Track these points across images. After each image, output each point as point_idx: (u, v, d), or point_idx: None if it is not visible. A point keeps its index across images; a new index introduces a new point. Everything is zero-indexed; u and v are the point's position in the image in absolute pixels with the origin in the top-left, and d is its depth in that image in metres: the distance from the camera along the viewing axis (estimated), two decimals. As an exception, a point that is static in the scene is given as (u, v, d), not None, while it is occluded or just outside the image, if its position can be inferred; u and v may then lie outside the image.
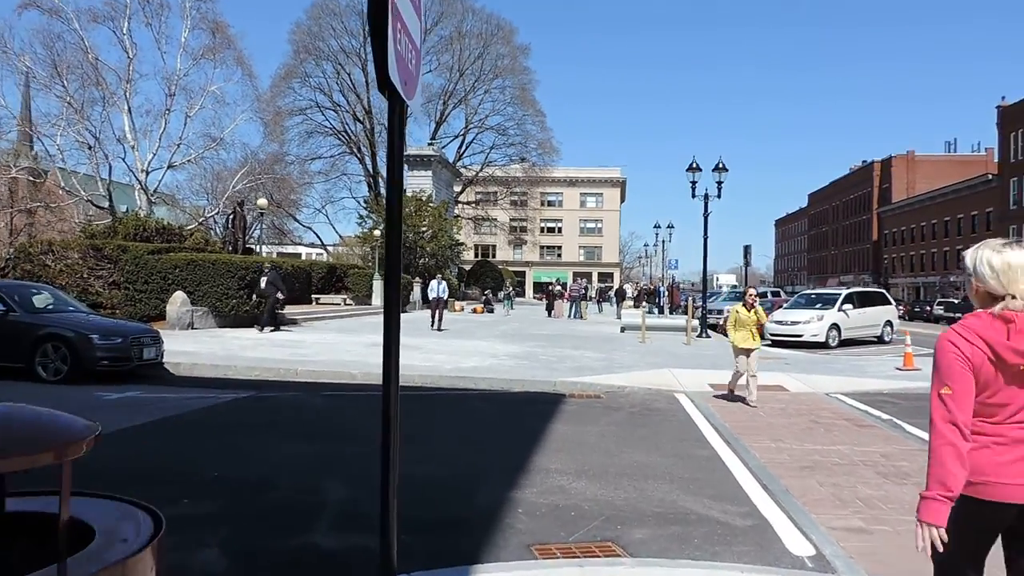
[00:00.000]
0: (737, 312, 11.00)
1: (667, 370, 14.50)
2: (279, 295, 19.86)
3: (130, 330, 12.08)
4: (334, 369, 13.07)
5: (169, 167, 38.38)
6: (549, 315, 37.73)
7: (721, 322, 23.94)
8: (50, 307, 12.51)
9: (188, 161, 39.28)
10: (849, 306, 23.44)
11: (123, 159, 37.27)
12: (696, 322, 23.54)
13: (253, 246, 44.46)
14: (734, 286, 60.23)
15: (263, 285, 19.85)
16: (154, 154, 37.60)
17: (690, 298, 33.21)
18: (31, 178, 40.58)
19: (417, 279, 42.25)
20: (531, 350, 17.95)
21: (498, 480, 6.27)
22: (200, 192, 48.27)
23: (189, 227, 34.36)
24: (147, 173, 37.80)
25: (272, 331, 19.76)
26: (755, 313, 10.79)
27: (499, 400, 11.12)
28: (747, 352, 10.73)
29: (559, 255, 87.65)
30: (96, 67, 36.43)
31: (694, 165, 24.43)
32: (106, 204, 36.98)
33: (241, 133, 55.94)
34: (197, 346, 15.66)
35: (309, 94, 53.99)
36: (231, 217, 30.36)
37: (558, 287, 41.06)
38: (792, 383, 13.25)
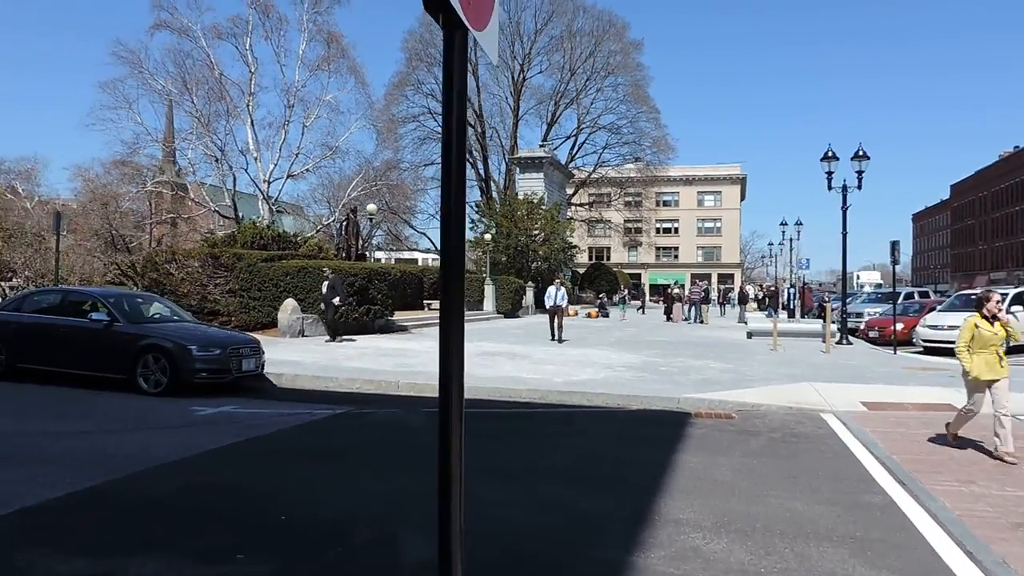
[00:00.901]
0: (976, 327, 7.67)
1: (808, 384, 12.71)
2: (335, 301, 18.83)
3: (229, 341, 11.71)
4: (437, 381, 12.21)
5: (289, 176, 39.51)
6: (668, 319, 35.85)
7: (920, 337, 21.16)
8: (156, 317, 12.40)
9: (306, 170, 40.32)
10: (1019, 308, 20.36)
11: (246, 170, 38.74)
12: (835, 327, 21.21)
13: (367, 252, 45.24)
14: (879, 285, 55.64)
15: (324, 290, 18.75)
16: (275, 164, 38.84)
17: (825, 299, 30.50)
18: (174, 191, 43.00)
19: (530, 283, 41.44)
20: (649, 360, 16.52)
21: (612, 535, 5.05)
22: (321, 200, 49.74)
23: (304, 234, 35.05)
24: (269, 183, 39.06)
25: (328, 341, 18.35)
26: (1003, 327, 7.65)
27: (614, 420, 9.86)
28: (989, 384, 7.63)
29: (675, 256, 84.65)
30: (221, 82, 38.03)
31: (830, 154, 22.10)
32: (232, 214, 38.52)
33: (355, 141, 57.26)
34: (302, 355, 15.32)
35: (422, 100, 54.52)
36: (344, 224, 30.67)
37: (676, 289, 39.06)
38: (962, 401, 11.16)
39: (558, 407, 10.69)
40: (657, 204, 75.04)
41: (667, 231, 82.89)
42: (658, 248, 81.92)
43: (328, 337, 18.41)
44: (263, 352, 12.21)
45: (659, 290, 69.77)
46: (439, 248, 2.13)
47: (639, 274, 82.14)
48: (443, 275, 2.13)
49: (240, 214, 38.03)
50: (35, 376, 11.50)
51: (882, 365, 16.72)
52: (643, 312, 47.40)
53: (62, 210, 43.99)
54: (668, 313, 36.60)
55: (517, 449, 7.92)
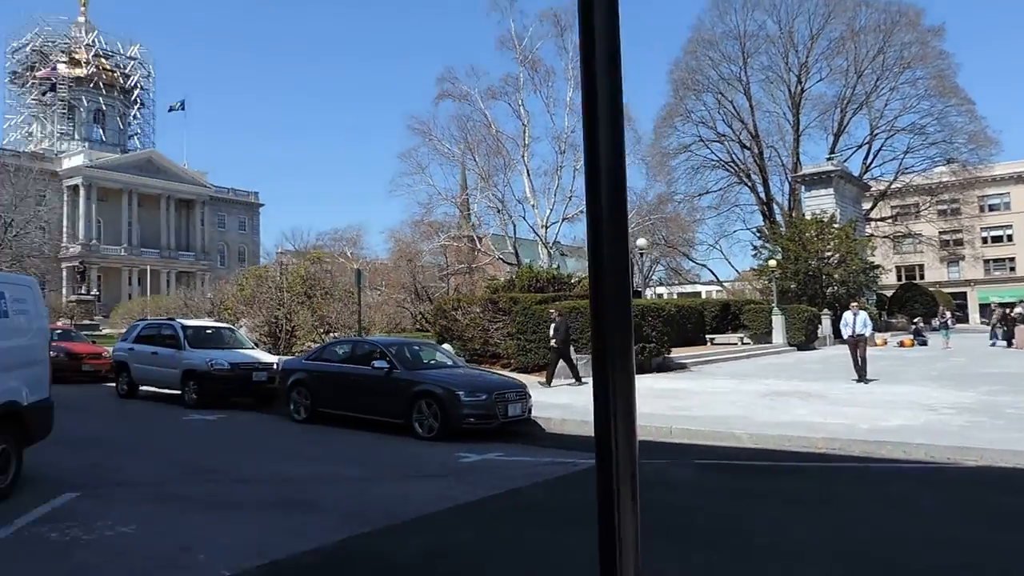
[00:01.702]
0: None
1: None
2: (556, 343, 17.37)
3: (495, 386, 11.63)
4: (713, 427, 10.91)
5: (564, 220, 40.63)
6: (1008, 345, 29.73)
7: None
8: (432, 363, 12.83)
9: (580, 211, 41.10)
10: None
11: (524, 217, 40.65)
12: None
13: (646, 288, 44.53)
14: None
15: (551, 333, 17.43)
16: (551, 209, 40.25)
17: None
18: (467, 243, 46.85)
19: (826, 311, 37.39)
20: (987, 399, 13.36)
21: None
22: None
23: (578, 274, 35.47)
24: (546, 227, 40.57)
25: (543, 384, 16.73)
26: None
27: (945, 482, 7.78)
28: None
29: (1011, 269, 71.16)
30: (498, 138, 40.69)
31: None
32: (514, 260, 40.57)
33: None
34: (574, 397, 14.91)
35: (692, 129, 52.93)
36: (617, 261, 30.35)
37: (1020, 308, 32.39)
38: None
39: (864, 461, 8.79)
40: (981, 210, 64.00)
41: (997, 240, 70.24)
42: (987, 261, 69.60)
43: (572, 380, 17.44)
44: (530, 396, 11.96)
45: (986, 310, 59.07)
46: (589, 248, 1.37)
47: (963, 292, 70.49)
48: (595, 287, 1.36)
49: (523, 260, 39.87)
50: (333, 420, 12.45)
51: None
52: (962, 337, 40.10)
53: (378, 268, 50.39)
54: (1008, 338, 30.36)
55: (810, 522, 6.44)
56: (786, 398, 14.27)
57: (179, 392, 14.99)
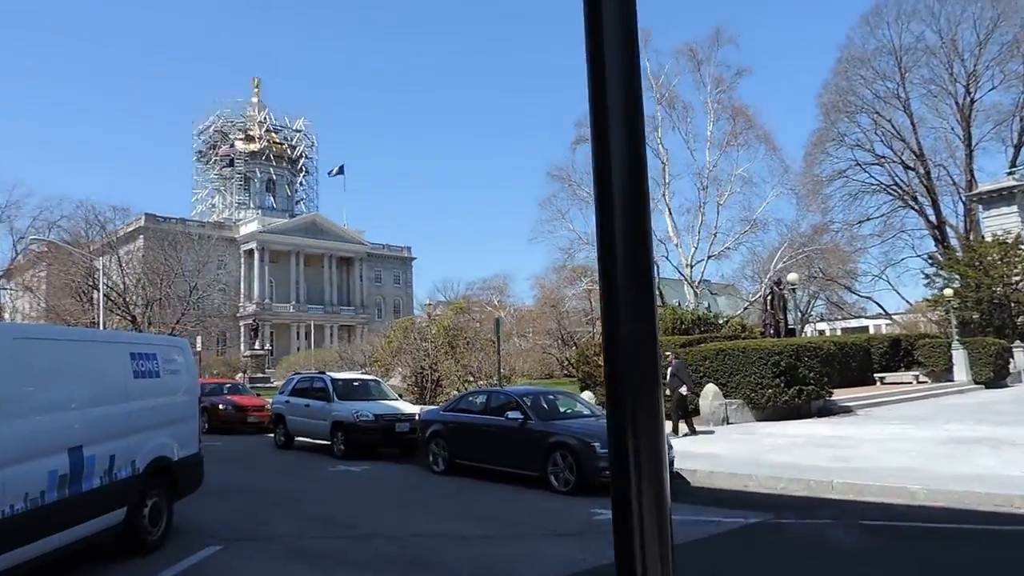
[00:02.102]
0: None
1: None
2: (682, 390, 15.95)
3: (635, 435, 11.05)
4: (883, 482, 9.69)
5: (709, 257, 39.14)
6: None
7: None
8: (568, 412, 12.45)
9: (727, 248, 39.52)
10: None
11: (667, 257, 39.55)
12: None
13: (802, 325, 41.75)
14: None
15: (667, 378, 15.95)
16: (695, 247, 38.92)
17: None
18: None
19: (1018, 343, 33.21)
20: None
21: None
22: (751, 276, 48.23)
23: (730, 314, 33.86)
24: (691, 267, 39.25)
25: (686, 435, 15.49)
26: None
27: None
28: None
29: None
30: (638, 179, 40.11)
31: None
32: (659, 302, 39.50)
33: (773, 210, 54.16)
34: (723, 446, 13.93)
35: (847, 153, 49.64)
36: (769, 298, 28.65)
37: None
38: None
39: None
40: None
41: None
42: None
43: (687, 431, 16.09)
44: (672, 447, 11.25)
45: None
46: (598, 251, 1.06)
47: None
48: (608, 312, 1.04)
49: (670, 301, 38.73)
50: (471, 471, 12.34)
51: None
52: None
53: (524, 315, 50.96)
54: None
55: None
56: (971, 446, 12.53)
57: (329, 443, 15.55)
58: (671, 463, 11.00)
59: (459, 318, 26.78)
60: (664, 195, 39.78)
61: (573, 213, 41.65)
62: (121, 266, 46.88)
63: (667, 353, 17.56)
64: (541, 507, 9.73)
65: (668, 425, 15.35)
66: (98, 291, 40.32)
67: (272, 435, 17.95)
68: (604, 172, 1.11)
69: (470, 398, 13.81)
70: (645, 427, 1.13)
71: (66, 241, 47.68)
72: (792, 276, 28.79)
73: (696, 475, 11.35)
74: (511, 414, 11.73)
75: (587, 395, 17.41)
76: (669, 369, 16.23)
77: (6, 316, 59.35)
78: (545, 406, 12.35)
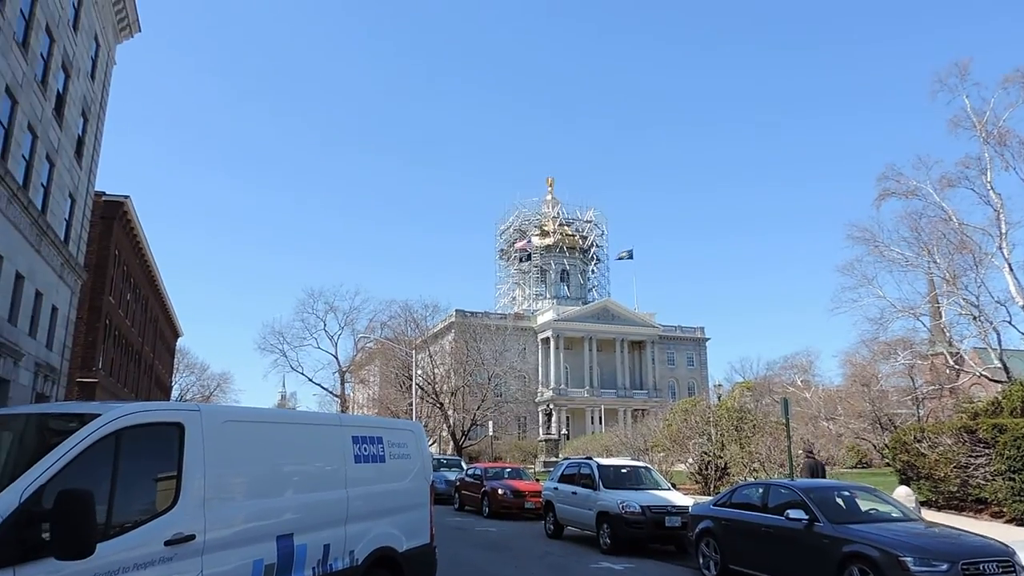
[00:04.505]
0: None
1: None
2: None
3: (965, 550, 8.37)
4: None
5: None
6: None
7: None
8: (871, 514, 10.03)
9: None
10: None
11: (1010, 322, 32.50)
12: None
13: None
14: None
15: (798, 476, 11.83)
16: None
17: None
18: (944, 363, 39.59)
19: None
20: None
21: None
22: None
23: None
24: (1046, 332, 31.80)
25: None
26: None
27: None
28: None
29: None
30: (962, 232, 34.05)
31: None
32: (1003, 376, 32.39)
33: None
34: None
35: None
36: None
37: None
38: None
39: None
40: None
41: None
42: None
43: None
44: (1021, 568, 8.33)
45: None
46: None
47: None
48: None
49: (1010, 375, 31.61)
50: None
51: None
52: None
53: (832, 395, 45.44)
54: None
55: None
56: None
57: (595, 534, 14.52)
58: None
59: (746, 399, 24.29)
60: (1001, 248, 33.14)
61: (882, 278, 36.57)
62: (431, 358, 51.69)
63: (799, 452, 14.79)
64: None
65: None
66: (413, 382, 44.63)
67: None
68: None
69: (745, 491, 11.84)
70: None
71: (388, 339, 54.02)
72: None
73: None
74: (792, 513, 9.72)
75: (903, 491, 14.19)
76: (798, 465, 13.25)
77: (350, 408, 68.83)
78: (839, 504, 10.10)
